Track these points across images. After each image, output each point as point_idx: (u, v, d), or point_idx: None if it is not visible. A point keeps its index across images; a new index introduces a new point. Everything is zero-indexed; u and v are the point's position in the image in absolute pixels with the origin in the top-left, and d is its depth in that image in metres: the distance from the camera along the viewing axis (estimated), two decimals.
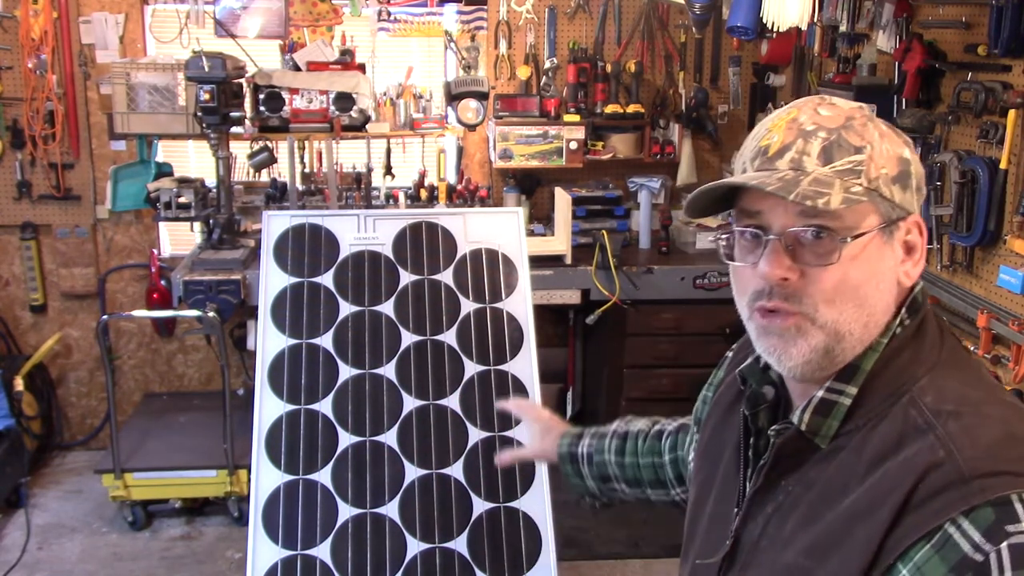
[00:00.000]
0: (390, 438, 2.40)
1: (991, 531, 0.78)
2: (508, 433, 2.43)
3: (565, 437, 1.51)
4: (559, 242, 3.83)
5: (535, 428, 1.59)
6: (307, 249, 2.58)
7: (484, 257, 2.62)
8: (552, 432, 1.55)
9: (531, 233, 4.03)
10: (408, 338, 2.51)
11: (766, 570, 0.95)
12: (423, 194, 4.14)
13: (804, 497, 0.93)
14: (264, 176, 4.13)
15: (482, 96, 3.81)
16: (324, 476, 2.35)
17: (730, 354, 1.24)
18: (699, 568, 1.06)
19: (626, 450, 1.44)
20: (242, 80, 3.73)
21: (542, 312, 4.08)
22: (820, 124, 0.92)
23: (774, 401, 1.04)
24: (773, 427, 0.97)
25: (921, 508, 0.82)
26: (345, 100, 3.80)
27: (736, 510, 1.01)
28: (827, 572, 0.87)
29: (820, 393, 0.93)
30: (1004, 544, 0.77)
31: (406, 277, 2.57)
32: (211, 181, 3.83)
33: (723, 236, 0.98)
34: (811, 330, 0.91)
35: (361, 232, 2.61)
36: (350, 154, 4.23)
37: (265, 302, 2.51)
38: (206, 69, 3.44)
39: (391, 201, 4.15)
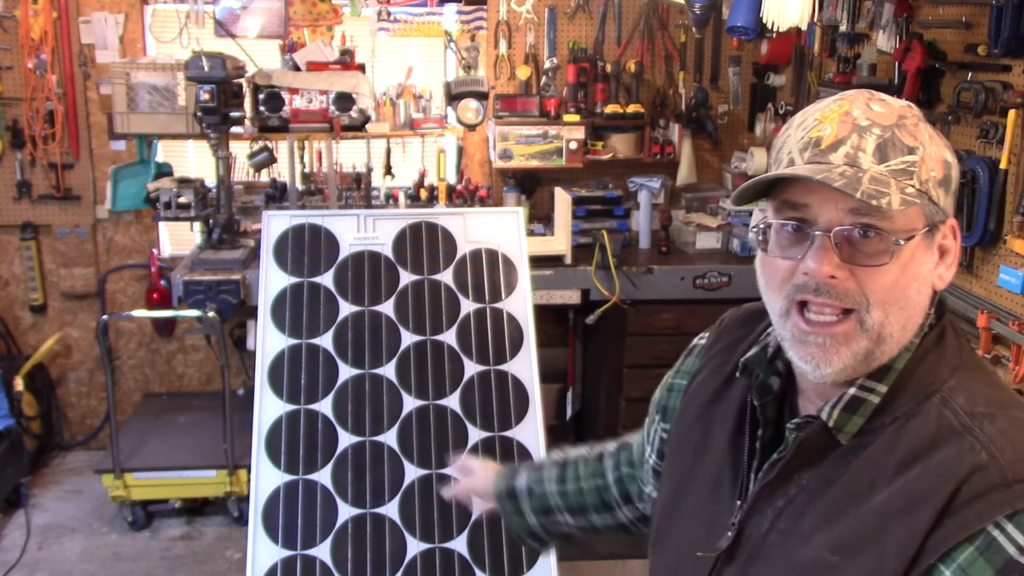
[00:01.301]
0: (390, 438, 2.40)
1: None
2: (507, 433, 2.43)
3: (500, 475, 1.46)
4: (559, 242, 3.83)
5: (477, 467, 1.53)
6: (307, 249, 2.58)
7: (484, 257, 2.62)
8: (487, 471, 1.49)
9: (531, 233, 4.02)
10: (408, 338, 2.51)
11: (778, 565, 0.94)
12: (423, 194, 4.13)
13: (823, 492, 0.92)
14: (264, 176, 4.13)
15: (482, 96, 3.81)
16: (324, 476, 2.35)
17: (702, 342, 1.22)
18: (688, 561, 1.03)
19: (567, 477, 1.39)
20: (242, 80, 3.73)
21: (542, 312, 4.07)
22: (874, 120, 0.90)
23: (779, 392, 1.03)
24: (794, 420, 0.96)
25: (964, 510, 0.82)
26: (345, 100, 3.80)
27: (739, 502, 0.99)
28: (858, 568, 0.86)
29: (852, 391, 0.92)
30: None
31: (406, 277, 2.57)
32: (211, 181, 3.83)
33: (758, 226, 0.95)
34: (858, 336, 0.90)
35: (361, 232, 2.61)
36: (350, 154, 4.23)
37: (265, 302, 2.51)
38: (206, 69, 3.44)
39: (391, 201, 4.15)
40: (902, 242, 0.88)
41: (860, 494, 0.89)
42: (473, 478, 1.52)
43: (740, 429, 1.03)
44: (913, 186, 0.88)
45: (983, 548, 0.80)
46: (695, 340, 1.24)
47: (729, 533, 0.99)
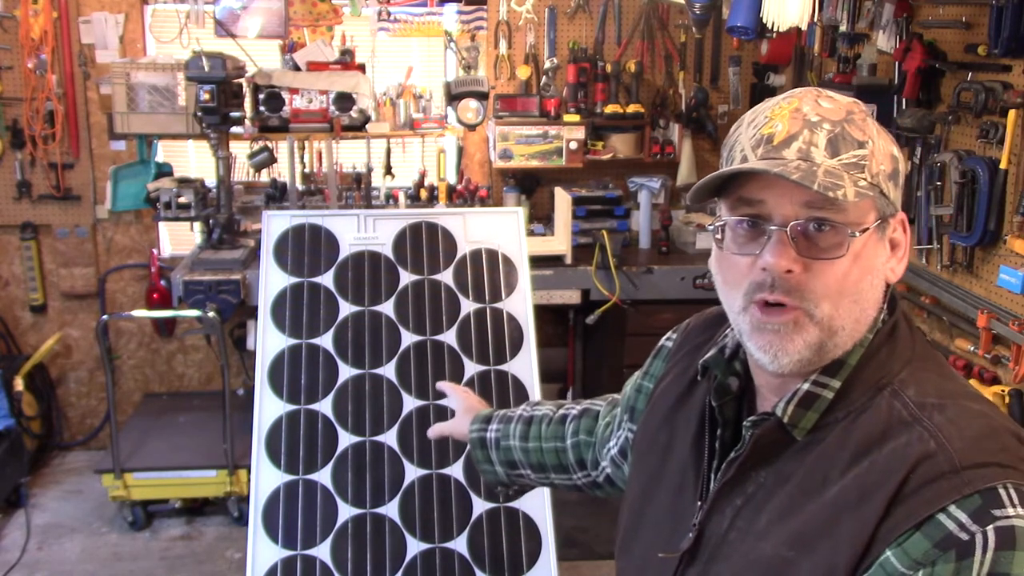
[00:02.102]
0: (390, 438, 2.40)
1: (978, 514, 0.80)
2: None
3: (474, 422, 1.50)
4: (559, 242, 3.83)
5: (459, 408, 1.59)
6: (307, 249, 2.58)
7: (484, 257, 2.62)
8: (469, 414, 1.54)
9: (531, 233, 4.03)
10: (408, 338, 2.51)
11: (737, 562, 0.94)
12: (423, 194, 4.13)
13: (779, 489, 0.93)
14: (264, 176, 4.13)
15: (482, 96, 3.81)
16: (324, 476, 2.35)
17: (669, 344, 1.22)
18: (653, 563, 1.04)
19: (530, 435, 1.43)
20: (242, 80, 3.73)
21: (542, 312, 4.08)
22: (823, 116, 0.91)
23: (738, 393, 1.03)
24: (750, 418, 0.97)
25: (913, 497, 0.83)
26: (345, 100, 3.80)
27: (699, 503, 1.00)
28: (813, 563, 0.87)
29: (806, 386, 0.93)
30: (991, 527, 0.80)
31: (406, 277, 2.57)
32: (211, 181, 3.83)
33: (715, 225, 0.95)
34: (808, 326, 0.90)
35: (361, 232, 2.61)
36: (350, 154, 4.23)
37: (265, 302, 2.51)
38: (206, 69, 3.44)
39: (391, 201, 4.15)
40: (857, 234, 0.90)
41: (814, 489, 0.90)
42: (452, 422, 1.58)
43: (702, 431, 1.04)
44: (865, 179, 0.90)
45: (927, 532, 0.82)
46: (662, 341, 1.25)
47: (691, 534, 0.99)
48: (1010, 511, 0.80)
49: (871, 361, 0.94)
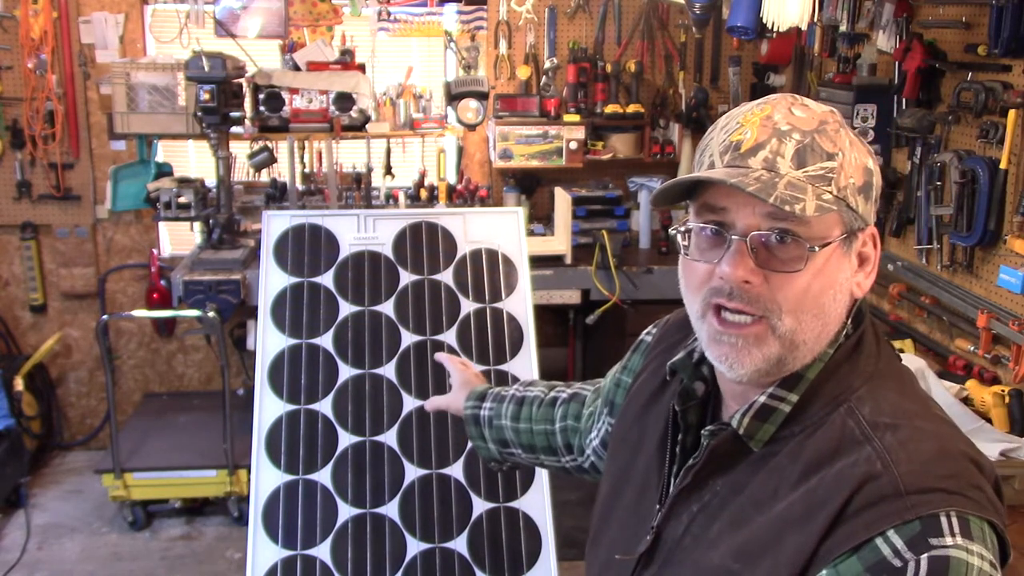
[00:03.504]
0: (390, 438, 2.40)
1: (914, 541, 0.79)
2: None
3: (469, 398, 1.51)
4: (559, 242, 3.83)
5: (456, 382, 1.59)
6: (307, 249, 2.58)
7: (484, 257, 2.62)
8: (466, 388, 1.55)
9: (531, 233, 4.02)
10: (408, 338, 2.51)
11: (688, 569, 0.94)
12: (423, 194, 4.13)
13: (732, 499, 0.92)
14: (264, 176, 4.13)
15: (482, 96, 3.81)
16: (324, 476, 2.35)
17: (648, 338, 1.22)
18: (614, 563, 1.04)
19: (520, 416, 1.44)
20: (242, 80, 3.73)
21: (542, 312, 4.08)
22: (794, 125, 0.89)
23: (704, 398, 1.03)
24: (707, 427, 0.96)
25: (854, 519, 0.82)
26: (345, 100, 3.80)
27: (658, 506, 1.00)
28: None
29: (762, 399, 0.92)
30: (925, 555, 0.79)
31: (406, 277, 2.57)
32: (211, 181, 3.83)
33: (679, 229, 0.95)
34: (770, 339, 0.89)
35: (361, 232, 2.61)
36: (350, 154, 4.23)
37: (265, 302, 2.51)
38: (206, 69, 3.44)
39: (391, 201, 4.15)
40: (817, 248, 0.88)
41: (764, 502, 0.89)
42: (448, 396, 1.58)
43: (666, 434, 1.04)
44: (831, 192, 0.88)
45: (863, 556, 0.81)
46: (642, 335, 1.24)
47: (648, 537, 0.99)
48: (948, 540, 0.79)
49: (831, 376, 0.92)
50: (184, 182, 3.84)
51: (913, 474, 0.83)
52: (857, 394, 0.91)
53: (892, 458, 0.84)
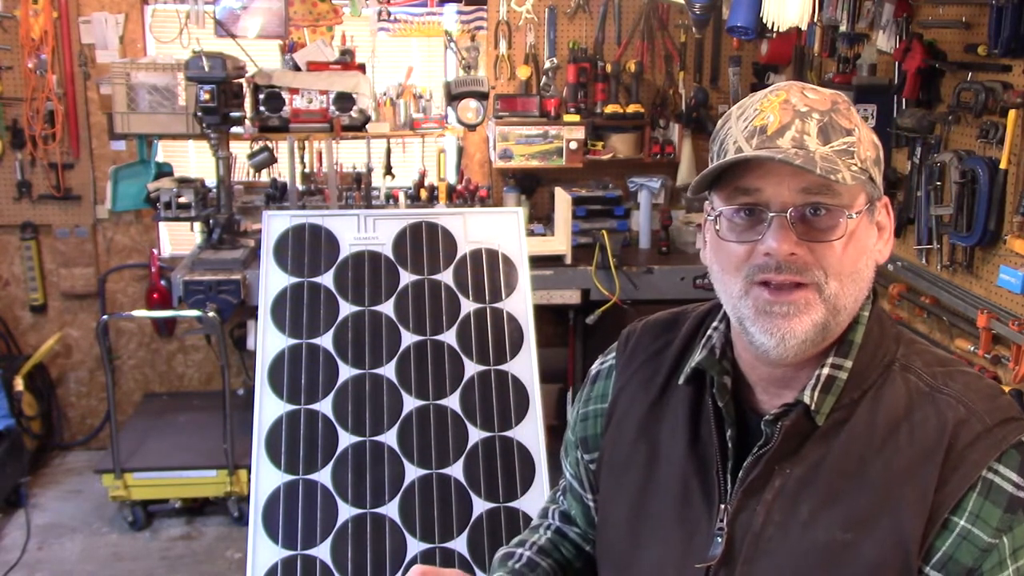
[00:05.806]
0: (390, 438, 2.40)
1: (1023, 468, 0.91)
2: (508, 433, 2.43)
3: None
4: (559, 242, 3.83)
5: None
6: (307, 249, 2.58)
7: (484, 257, 2.62)
8: None
9: (531, 233, 4.02)
10: (408, 338, 2.51)
11: (784, 556, 0.94)
12: (423, 194, 4.13)
13: (813, 477, 0.94)
14: (264, 176, 4.13)
15: (482, 96, 3.80)
16: (324, 476, 2.35)
17: (605, 366, 1.19)
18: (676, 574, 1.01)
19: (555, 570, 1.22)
20: (242, 80, 3.73)
21: (542, 312, 4.08)
22: (812, 106, 0.94)
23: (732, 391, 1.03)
24: (771, 412, 0.97)
25: (962, 462, 0.90)
26: (345, 100, 3.80)
27: (722, 506, 0.99)
28: (876, 539, 0.90)
29: (826, 370, 0.96)
30: None
31: (406, 277, 2.57)
32: (211, 181, 3.83)
33: (712, 216, 0.98)
34: (816, 303, 0.93)
35: (361, 232, 2.61)
36: (350, 154, 4.23)
37: (265, 302, 2.51)
38: (206, 69, 3.44)
39: (391, 201, 4.15)
40: (854, 216, 0.93)
41: (853, 471, 0.93)
42: None
43: (696, 436, 1.03)
44: (856, 164, 0.93)
45: (985, 492, 0.90)
46: (594, 367, 1.22)
47: (719, 539, 0.98)
48: None
49: (870, 339, 0.98)
50: (184, 182, 3.84)
51: (989, 411, 0.93)
52: (900, 352, 0.98)
53: (968, 400, 0.93)
